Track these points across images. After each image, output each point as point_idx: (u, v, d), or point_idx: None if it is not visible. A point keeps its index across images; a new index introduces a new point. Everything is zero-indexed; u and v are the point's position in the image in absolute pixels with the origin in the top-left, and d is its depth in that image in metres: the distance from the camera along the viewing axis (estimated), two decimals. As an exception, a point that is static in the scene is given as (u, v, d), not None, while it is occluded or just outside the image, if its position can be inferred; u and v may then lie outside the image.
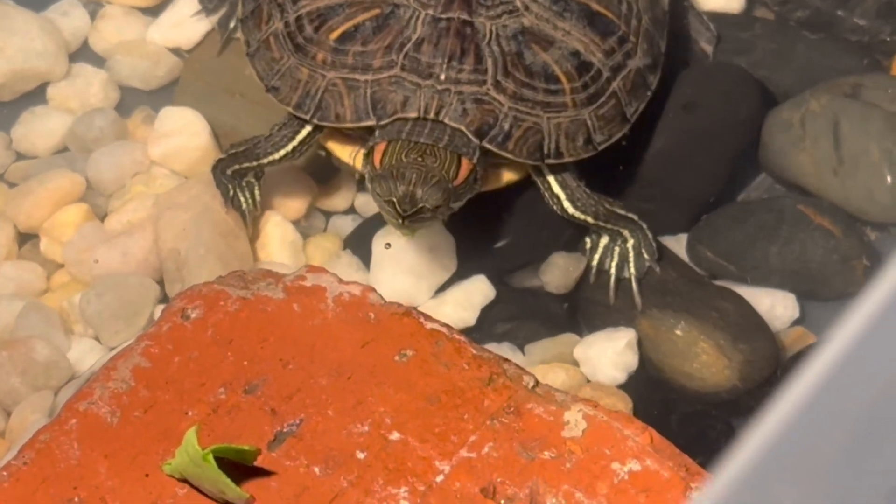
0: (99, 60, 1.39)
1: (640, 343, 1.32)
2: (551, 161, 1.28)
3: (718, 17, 1.39)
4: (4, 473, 1.08)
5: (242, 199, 1.42)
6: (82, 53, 1.39)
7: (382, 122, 1.26)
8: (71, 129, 1.39)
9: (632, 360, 1.33)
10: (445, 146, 1.26)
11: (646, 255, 1.38)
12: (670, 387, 1.28)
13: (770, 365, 1.24)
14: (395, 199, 1.22)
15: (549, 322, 1.39)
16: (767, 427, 0.60)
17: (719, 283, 1.35)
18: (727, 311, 1.29)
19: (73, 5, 1.41)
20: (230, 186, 1.42)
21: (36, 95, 1.38)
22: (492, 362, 1.17)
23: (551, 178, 1.35)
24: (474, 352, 1.18)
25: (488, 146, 1.28)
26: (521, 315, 1.36)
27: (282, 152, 1.39)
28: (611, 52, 1.32)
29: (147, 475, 1.09)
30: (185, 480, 1.09)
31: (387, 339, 1.17)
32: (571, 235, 1.50)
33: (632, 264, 1.40)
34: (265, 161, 1.39)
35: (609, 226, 1.43)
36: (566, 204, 1.38)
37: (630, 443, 1.12)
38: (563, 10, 1.30)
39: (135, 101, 1.39)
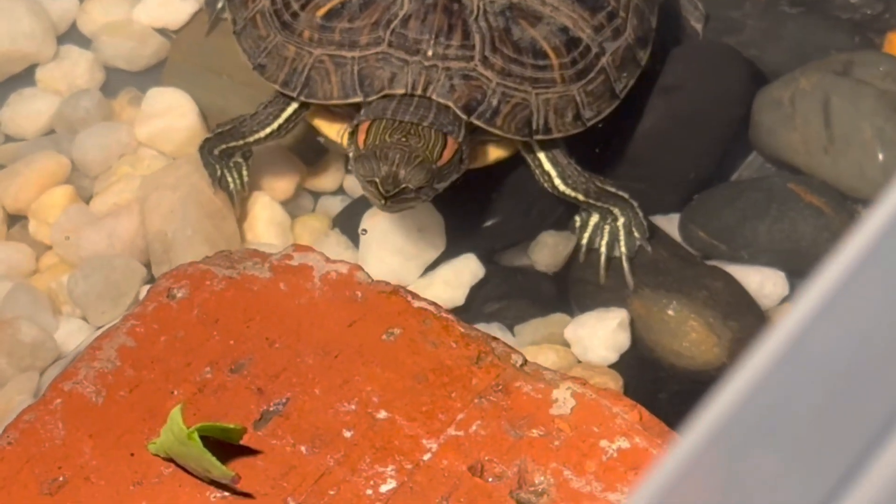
0: (86, 42, 1.39)
1: (631, 322, 1.32)
2: (540, 137, 1.27)
3: None
4: None
5: (230, 179, 1.42)
6: (70, 35, 1.38)
7: (370, 99, 1.25)
8: (58, 110, 1.38)
9: (623, 340, 1.32)
10: (430, 125, 1.25)
11: (636, 234, 1.37)
12: (660, 365, 1.27)
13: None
14: (377, 180, 1.21)
15: (539, 302, 1.38)
16: (739, 389, 0.60)
17: (711, 262, 1.34)
18: (717, 289, 1.28)
19: None
20: (217, 167, 1.42)
21: (24, 77, 1.37)
22: (480, 341, 1.15)
23: (542, 155, 1.34)
24: (462, 330, 1.16)
25: (476, 122, 1.26)
26: (510, 294, 1.35)
27: (268, 130, 1.37)
28: (600, 28, 1.31)
29: (132, 454, 1.07)
30: (170, 459, 1.08)
31: (374, 317, 1.16)
32: (561, 214, 1.49)
33: (622, 243, 1.39)
34: (251, 139, 1.38)
35: (600, 204, 1.42)
36: (557, 181, 1.37)
37: (619, 420, 1.10)
38: None
39: (121, 82, 1.39)
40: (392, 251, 1.39)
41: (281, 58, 1.27)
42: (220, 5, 1.45)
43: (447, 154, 1.25)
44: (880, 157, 1.24)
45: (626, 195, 1.43)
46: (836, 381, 0.62)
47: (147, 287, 1.26)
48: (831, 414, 0.62)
